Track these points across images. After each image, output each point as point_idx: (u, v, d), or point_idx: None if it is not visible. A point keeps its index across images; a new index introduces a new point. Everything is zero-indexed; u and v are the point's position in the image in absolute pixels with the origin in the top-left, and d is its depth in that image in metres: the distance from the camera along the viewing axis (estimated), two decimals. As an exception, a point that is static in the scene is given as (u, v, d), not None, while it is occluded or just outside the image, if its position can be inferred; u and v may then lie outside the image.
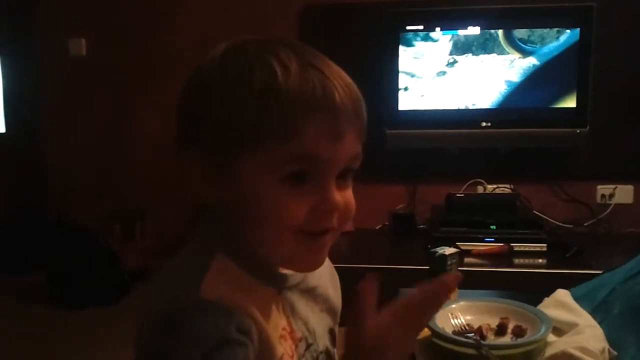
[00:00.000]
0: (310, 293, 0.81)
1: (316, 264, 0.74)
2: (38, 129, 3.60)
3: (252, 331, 0.66)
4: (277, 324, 0.73)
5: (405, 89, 2.92)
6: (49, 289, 3.12)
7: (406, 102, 2.91)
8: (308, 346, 0.77)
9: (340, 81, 0.67)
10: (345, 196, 0.70)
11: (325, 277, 0.86)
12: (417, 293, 0.68)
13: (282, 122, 0.65)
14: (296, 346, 0.75)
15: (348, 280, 0.90)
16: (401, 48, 2.89)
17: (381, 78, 2.87)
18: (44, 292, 3.11)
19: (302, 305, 0.79)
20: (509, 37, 2.85)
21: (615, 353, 0.99)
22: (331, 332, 0.85)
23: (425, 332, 1.09)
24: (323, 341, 0.81)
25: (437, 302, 0.69)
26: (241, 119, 0.66)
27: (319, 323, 0.81)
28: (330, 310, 0.85)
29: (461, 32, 2.88)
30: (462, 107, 2.92)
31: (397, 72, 2.90)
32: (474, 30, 2.87)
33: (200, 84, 0.71)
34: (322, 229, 0.69)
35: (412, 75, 2.92)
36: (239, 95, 0.66)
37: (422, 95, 2.92)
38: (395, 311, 0.68)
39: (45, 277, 3.14)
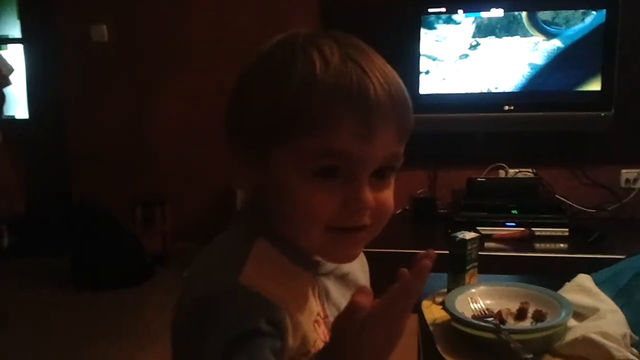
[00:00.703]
0: (344, 279, 0.82)
1: (349, 258, 0.74)
2: (61, 115, 3.64)
3: (285, 323, 0.66)
4: (312, 310, 0.73)
5: (427, 72, 2.89)
6: (72, 273, 3.17)
7: (427, 85, 2.89)
8: None
9: (380, 77, 0.66)
10: (381, 196, 0.69)
11: (357, 264, 0.86)
12: (395, 286, 0.67)
13: (315, 116, 0.64)
14: (330, 331, 0.76)
15: (368, 264, 0.90)
16: (422, 31, 2.87)
17: (402, 61, 2.84)
18: (68, 276, 3.17)
19: (336, 291, 0.79)
20: (532, 19, 2.81)
21: (637, 338, 0.99)
22: None
23: (445, 316, 1.09)
24: None
25: (413, 291, 0.66)
26: (277, 109, 0.66)
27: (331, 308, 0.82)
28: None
29: (484, 15, 2.84)
30: (485, 90, 2.89)
31: (419, 55, 2.88)
32: (497, 12, 2.83)
33: (248, 74, 0.71)
34: (352, 225, 0.68)
35: (434, 59, 2.89)
36: (278, 85, 0.66)
37: (444, 79, 2.90)
38: (378, 305, 0.66)
39: (69, 260, 3.19)
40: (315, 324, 0.73)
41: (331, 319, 0.76)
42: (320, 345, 0.72)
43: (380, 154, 0.67)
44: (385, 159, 0.68)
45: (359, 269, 0.87)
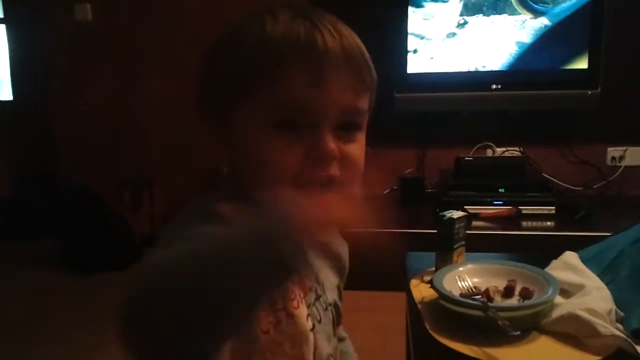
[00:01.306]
0: (322, 248, 0.82)
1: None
2: (46, 96, 3.60)
3: None
4: None
5: (415, 51, 2.88)
6: (60, 255, 3.15)
7: (415, 64, 2.88)
8: (317, 297, 0.79)
9: (331, 29, 0.67)
10: (347, 148, 0.69)
11: (337, 234, 0.86)
12: None
13: (266, 70, 0.65)
14: (305, 294, 0.76)
15: (356, 244, 0.90)
16: (410, 9, 2.85)
17: (390, 40, 2.83)
18: (55, 258, 3.15)
19: (314, 259, 0.79)
20: (520, -3, 2.80)
21: (622, 314, 1.00)
22: (339, 287, 0.86)
23: (433, 294, 1.10)
24: (331, 294, 0.83)
25: None
26: (232, 70, 0.68)
27: (327, 277, 0.83)
28: (340, 268, 0.87)
29: (471, -7, 2.83)
30: (472, 69, 2.88)
31: (406, 34, 2.86)
32: (484, -9, 2.82)
33: (211, 47, 0.73)
34: (320, 178, 0.67)
35: (422, 37, 2.88)
36: (231, 48, 0.69)
37: (432, 58, 2.89)
38: None
39: (56, 243, 3.17)
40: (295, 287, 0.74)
41: (307, 283, 0.77)
42: (299, 300, 0.73)
43: (337, 103, 0.67)
44: (344, 112, 0.68)
45: (340, 243, 0.87)
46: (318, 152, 0.67)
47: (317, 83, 0.65)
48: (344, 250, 0.88)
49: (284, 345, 0.71)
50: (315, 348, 0.76)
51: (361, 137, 0.72)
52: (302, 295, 0.75)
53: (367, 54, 0.70)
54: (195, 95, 0.74)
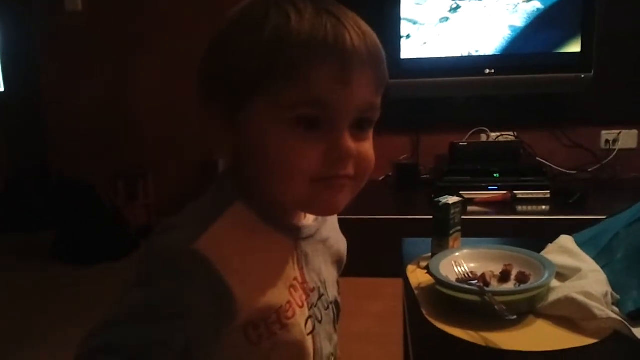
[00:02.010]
0: (325, 244, 0.82)
1: (334, 209, 0.72)
2: (38, 87, 3.57)
3: (229, 298, 0.66)
4: (288, 275, 0.74)
5: (408, 36, 2.87)
6: (55, 247, 3.15)
7: (408, 50, 2.87)
8: (320, 296, 0.79)
9: (356, 27, 0.66)
10: (361, 147, 0.69)
11: (338, 233, 0.87)
12: None
13: (291, 65, 0.64)
14: (307, 296, 0.76)
15: (352, 231, 0.90)
16: (402, -6, 2.84)
17: (382, 26, 2.81)
18: (51, 251, 3.15)
19: (317, 257, 0.80)
20: (512, -19, 2.79)
21: (617, 297, 1.00)
22: (338, 282, 0.86)
23: (429, 280, 1.10)
24: (333, 291, 0.83)
25: None
26: (252, 62, 0.65)
27: (329, 274, 0.83)
28: (339, 262, 0.87)
29: (463, -23, 2.82)
30: (466, 54, 2.88)
31: (399, 19, 2.85)
32: (476, -25, 2.80)
33: (220, 35, 0.70)
34: (337, 175, 0.68)
35: (414, 22, 2.87)
36: (252, 40, 0.65)
37: (425, 43, 2.88)
38: None
39: (51, 236, 3.16)
40: (291, 288, 0.73)
41: (310, 284, 0.77)
42: (296, 309, 0.73)
43: (359, 102, 0.67)
44: (363, 109, 0.68)
45: (340, 239, 0.87)
46: (338, 152, 0.66)
47: (343, 81, 0.65)
48: (343, 246, 0.88)
49: (280, 352, 0.71)
50: (314, 350, 0.76)
51: (371, 133, 0.72)
52: (303, 299, 0.75)
53: (383, 52, 0.69)
54: (200, 84, 0.72)
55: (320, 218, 0.81)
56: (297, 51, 0.63)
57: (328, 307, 0.81)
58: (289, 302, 0.72)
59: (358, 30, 0.66)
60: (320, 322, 0.78)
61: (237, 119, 0.68)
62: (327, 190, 0.68)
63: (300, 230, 0.77)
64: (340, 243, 0.87)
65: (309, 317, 0.76)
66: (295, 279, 0.75)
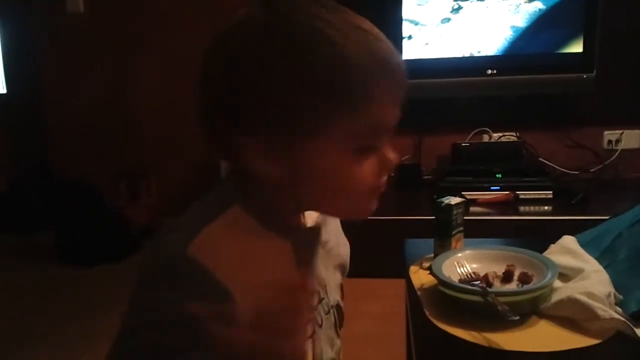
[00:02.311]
0: (324, 247, 0.82)
1: (372, 211, 0.74)
2: (39, 88, 3.58)
3: (230, 306, 0.64)
4: (285, 278, 0.73)
5: (409, 37, 2.87)
6: (57, 248, 3.15)
7: (410, 51, 2.87)
8: (320, 300, 0.78)
9: (389, 42, 0.68)
10: None
11: (336, 234, 0.86)
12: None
13: (352, 97, 0.63)
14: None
15: (354, 232, 0.90)
16: (404, -5, 2.84)
17: (384, 27, 2.80)
18: (53, 252, 3.14)
19: (316, 260, 0.79)
20: (514, -19, 2.79)
21: (620, 297, 1.00)
22: (341, 287, 0.86)
23: (432, 280, 1.10)
24: (334, 295, 0.83)
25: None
26: (308, 100, 0.63)
27: (331, 278, 0.82)
28: (341, 266, 0.86)
29: (465, -23, 2.81)
30: (467, 54, 2.87)
31: (401, 20, 2.85)
32: (478, -25, 2.80)
33: (247, 55, 0.65)
34: (383, 186, 0.71)
35: (416, 23, 2.87)
36: (306, 75, 0.63)
37: (427, 44, 2.88)
38: None
39: (52, 237, 3.16)
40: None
41: None
42: None
43: (398, 116, 0.70)
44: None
45: (342, 242, 0.87)
46: (387, 165, 0.70)
47: (397, 102, 0.67)
48: (345, 249, 0.88)
49: None
50: (314, 354, 0.76)
51: None
52: None
53: None
54: (222, 102, 0.68)
55: (319, 221, 0.81)
56: (356, 82, 0.63)
57: (329, 311, 0.80)
58: None
59: (392, 46, 0.68)
60: (320, 326, 0.77)
61: (288, 149, 0.66)
62: (376, 197, 0.72)
63: (300, 234, 0.76)
64: (341, 247, 0.87)
65: (318, 324, 0.76)
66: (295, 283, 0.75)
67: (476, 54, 2.87)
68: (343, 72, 0.62)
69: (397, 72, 0.66)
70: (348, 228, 0.90)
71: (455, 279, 1.06)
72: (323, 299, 0.79)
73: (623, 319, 0.93)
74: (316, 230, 0.79)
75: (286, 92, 0.63)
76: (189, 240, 0.64)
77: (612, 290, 1.00)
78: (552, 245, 1.21)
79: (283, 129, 0.65)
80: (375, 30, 0.67)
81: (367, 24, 0.67)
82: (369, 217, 0.74)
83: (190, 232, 0.65)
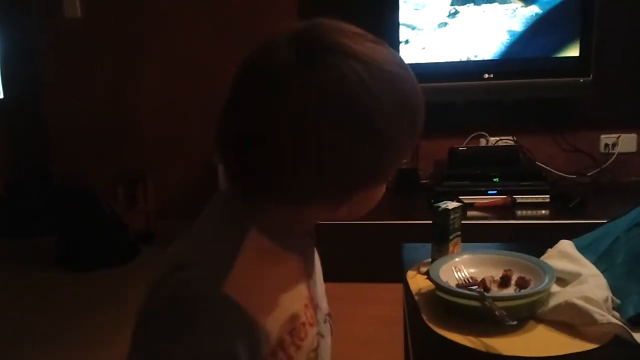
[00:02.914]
0: (313, 256, 0.82)
1: None
2: (38, 94, 3.57)
3: (262, 340, 0.64)
4: (302, 294, 0.74)
5: (406, 42, 2.87)
6: (56, 253, 3.14)
7: (407, 55, 2.87)
8: (319, 310, 0.79)
9: (413, 78, 0.70)
10: None
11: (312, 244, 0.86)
12: None
13: (398, 146, 0.68)
14: (315, 313, 0.76)
15: (351, 237, 0.90)
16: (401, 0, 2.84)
17: (381, 31, 2.81)
18: (51, 256, 3.14)
19: (313, 269, 0.80)
20: (510, -14, 2.79)
21: (618, 301, 1.00)
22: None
23: (429, 285, 1.10)
24: (325, 303, 0.83)
25: None
26: (370, 160, 0.66)
27: (321, 285, 0.82)
28: (319, 272, 0.86)
29: (462, -18, 2.82)
30: (464, 59, 2.88)
31: (398, 24, 2.85)
32: (475, -20, 2.81)
33: (314, 102, 0.62)
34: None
35: (413, 28, 2.87)
36: (367, 140, 0.64)
37: (423, 48, 2.88)
38: None
39: (51, 241, 3.16)
40: (305, 308, 0.73)
41: (315, 300, 0.77)
42: (307, 329, 0.72)
43: None
44: None
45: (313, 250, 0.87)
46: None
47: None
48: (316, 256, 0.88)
49: None
50: None
51: None
52: (314, 316, 0.75)
53: None
54: (277, 143, 0.63)
55: (312, 232, 0.81)
56: (406, 138, 0.68)
57: (326, 321, 0.80)
58: (302, 323, 0.72)
59: (413, 79, 0.70)
60: (323, 337, 0.77)
61: (340, 198, 0.69)
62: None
63: (306, 247, 0.77)
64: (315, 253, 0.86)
65: (317, 333, 0.75)
66: (307, 297, 0.75)
67: (473, 59, 2.87)
68: (395, 131, 0.66)
69: (421, 118, 0.69)
70: (346, 232, 0.90)
71: (452, 283, 1.06)
72: (319, 307, 0.79)
73: (621, 323, 0.93)
74: (313, 238, 0.79)
75: (352, 162, 0.65)
76: (220, 279, 0.62)
77: (610, 294, 1.00)
78: (549, 249, 1.21)
79: (344, 190, 0.67)
80: (404, 65, 0.69)
81: (398, 59, 0.68)
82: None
83: (218, 269, 0.63)
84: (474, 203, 2.68)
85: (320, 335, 0.76)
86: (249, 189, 0.68)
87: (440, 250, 1.21)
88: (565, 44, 2.79)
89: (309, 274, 0.77)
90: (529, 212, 2.64)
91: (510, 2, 2.80)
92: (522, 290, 1.03)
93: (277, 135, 0.62)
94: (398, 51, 2.85)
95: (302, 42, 0.63)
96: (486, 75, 2.84)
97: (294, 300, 0.71)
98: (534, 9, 2.79)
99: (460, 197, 2.58)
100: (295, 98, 0.61)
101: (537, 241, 1.30)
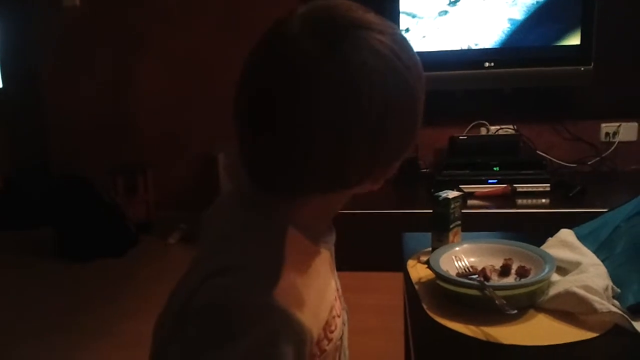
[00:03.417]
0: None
1: None
2: (38, 85, 3.56)
3: (309, 343, 0.64)
4: (332, 287, 0.74)
5: (407, 30, 2.86)
6: (56, 244, 3.15)
7: (407, 44, 2.86)
8: (342, 299, 0.79)
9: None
10: None
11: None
12: None
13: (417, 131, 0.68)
14: (341, 303, 0.77)
15: (352, 226, 0.90)
16: (401, -12, 2.83)
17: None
18: (51, 247, 3.14)
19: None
20: (511, -26, 2.78)
21: (618, 290, 1.00)
22: None
23: (429, 274, 1.10)
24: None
25: None
26: (406, 146, 0.68)
27: (337, 277, 0.82)
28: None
29: (462, -30, 2.81)
30: (465, 47, 2.87)
31: (398, 12, 2.84)
32: (475, -32, 2.79)
33: (345, 96, 0.61)
34: None
35: (413, 16, 2.86)
36: (413, 117, 0.67)
37: (424, 37, 2.87)
38: None
39: (51, 232, 3.16)
40: (335, 301, 0.74)
41: (340, 290, 0.78)
42: (337, 321, 0.72)
43: None
44: None
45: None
46: None
47: None
48: None
49: None
50: (343, 353, 0.76)
51: None
52: (340, 308, 0.75)
53: None
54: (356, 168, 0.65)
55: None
56: (419, 118, 0.68)
57: (344, 307, 0.80)
58: (334, 316, 0.72)
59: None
60: (344, 324, 0.78)
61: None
62: None
63: (331, 239, 0.76)
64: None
65: (343, 323, 0.76)
66: (335, 289, 0.75)
67: (474, 47, 2.86)
68: (419, 118, 0.68)
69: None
70: (347, 222, 0.89)
71: (453, 272, 1.06)
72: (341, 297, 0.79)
73: (620, 312, 0.93)
74: (333, 230, 0.77)
75: (394, 148, 0.67)
76: (269, 285, 0.61)
77: (610, 283, 1.00)
78: (549, 238, 1.21)
79: (381, 163, 0.67)
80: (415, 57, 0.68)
81: (412, 52, 0.68)
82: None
83: (265, 274, 0.63)
84: (474, 192, 2.68)
85: (343, 323, 0.77)
86: (288, 184, 0.66)
87: (441, 239, 1.21)
88: (566, 32, 2.78)
89: (335, 266, 0.77)
90: (530, 201, 2.63)
91: (511, -10, 2.78)
92: (523, 279, 1.03)
93: (330, 125, 0.61)
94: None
95: (323, 29, 0.62)
96: (487, 64, 2.83)
97: (330, 296, 0.72)
98: (535, -3, 2.78)
99: (460, 186, 2.58)
100: (340, 85, 0.60)
101: (537, 230, 1.30)
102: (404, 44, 0.65)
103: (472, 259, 1.12)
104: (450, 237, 1.22)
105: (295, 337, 0.61)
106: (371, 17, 0.65)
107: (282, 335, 0.60)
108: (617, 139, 3.04)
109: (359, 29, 0.62)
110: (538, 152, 2.99)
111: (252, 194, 0.69)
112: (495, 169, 2.77)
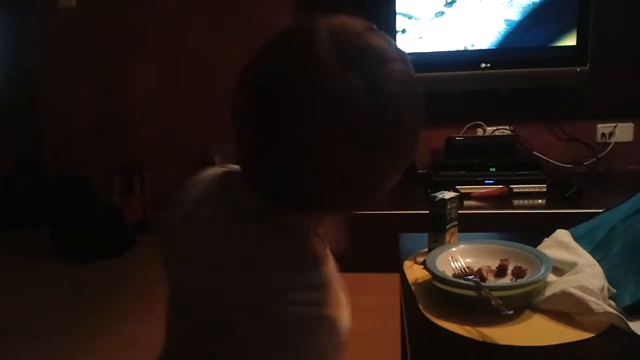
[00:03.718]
0: None
1: None
2: (34, 85, 3.55)
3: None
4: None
5: (403, 31, 2.86)
6: (52, 245, 3.14)
7: (404, 45, 2.86)
8: None
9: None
10: None
11: None
12: None
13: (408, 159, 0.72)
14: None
15: (348, 227, 0.90)
16: (397, -11, 2.83)
17: (377, 21, 2.80)
18: (48, 248, 3.14)
19: None
20: (507, -25, 2.78)
21: (614, 291, 1.00)
22: None
23: (426, 275, 1.10)
24: None
25: None
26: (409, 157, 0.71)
27: None
28: None
29: (459, -29, 2.81)
30: (461, 48, 2.87)
31: (394, 13, 2.84)
32: (471, -32, 2.80)
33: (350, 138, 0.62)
34: None
35: (410, 17, 2.86)
36: (415, 136, 0.69)
37: (420, 38, 2.87)
38: None
39: (47, 233, 3.15)
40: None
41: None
42: None
43: None
44: None
45: None
46: None
47: None
48: None
49: None
50: None
51: None
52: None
53: None
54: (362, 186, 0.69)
55: None
56: (413, 147, 0.70)
57: None
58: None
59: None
60: None
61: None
62: None
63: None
64: None
65: None
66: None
67: (470, 48, 2.86)
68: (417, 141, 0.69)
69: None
70: (343, 222, 0.89)
71: (449, 273, 1.06)
72: None
73: (616, 312, 0.93)
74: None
75: (389, 175, 0.71)
76: (325, 300, 0.67)
77: (606, 284, 1.01)
78: (545, 239, 1.21)
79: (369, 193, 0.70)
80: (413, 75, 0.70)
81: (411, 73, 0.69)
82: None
83: (318, 290, 0.67)
84: (470, 193, 2.68)
85: None
86: (307, 203, 0.68)
87: (437, 240, 1.21)
88: (562, 33, 2.78)
89: None
90: (526, 202, 2.64)
91: (507, -9, 2.79)
92: (519, 280, 1.03)
93: (347, 155, 0.63)
94: (395, 41, 2.84)
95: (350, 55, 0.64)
96: (483, 65, 2.83)
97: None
98: (531, -2, 2.78)
99: (456, 187, 2.58)
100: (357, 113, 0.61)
101: (533, 230, 1.30)
102: (412, 67, 0.69)
103: (468, 260, 1.12)
104: (447, 238, 1.22)
105: (341, 344, 0.69)
106: (389, 44, 0.70)
107: (333, 337, 0.67)
108: (613, 139, 3.04)
109: (389, 62, 0.66)
110: (534, 152, 3.00)
111: (263, 208, 0.68)
112: (491, 169, 2.77)
